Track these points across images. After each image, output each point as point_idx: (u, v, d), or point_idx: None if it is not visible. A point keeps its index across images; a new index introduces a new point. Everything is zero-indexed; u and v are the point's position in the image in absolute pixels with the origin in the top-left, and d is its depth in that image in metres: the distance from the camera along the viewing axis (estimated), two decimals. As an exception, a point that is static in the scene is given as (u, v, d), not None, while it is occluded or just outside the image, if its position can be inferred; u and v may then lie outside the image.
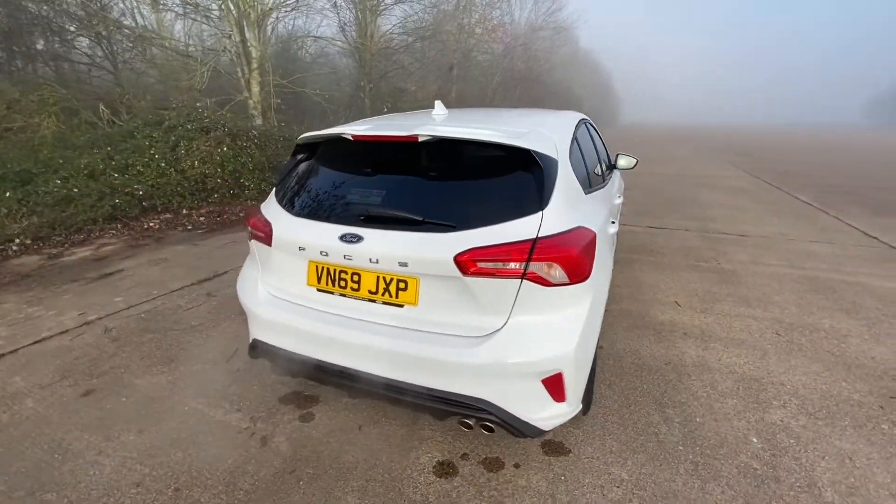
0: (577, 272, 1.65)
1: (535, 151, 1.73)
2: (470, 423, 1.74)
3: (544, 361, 1.62)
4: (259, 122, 10.48)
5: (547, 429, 1.73)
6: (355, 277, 1.81)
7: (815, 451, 1.98)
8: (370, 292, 1.80)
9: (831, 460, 1.93)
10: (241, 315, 3.28)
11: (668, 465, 1.91)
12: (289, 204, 2.01)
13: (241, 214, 6.47)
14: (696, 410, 2.25)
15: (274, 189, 2.20)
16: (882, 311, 3.32)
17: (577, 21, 26.73)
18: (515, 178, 1.76)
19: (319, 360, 1.88)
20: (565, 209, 1.74)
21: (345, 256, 1.77)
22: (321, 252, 1.82)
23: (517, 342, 1.62)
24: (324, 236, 1.81)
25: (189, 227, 5.85)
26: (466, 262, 1.59)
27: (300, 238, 1.88)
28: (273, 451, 2.00)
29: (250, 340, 2.16)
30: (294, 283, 1.99)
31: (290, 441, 2.07)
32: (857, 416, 2.21)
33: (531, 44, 23.26)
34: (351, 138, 1.92)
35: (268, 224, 1.99)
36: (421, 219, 1.70)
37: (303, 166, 2.16)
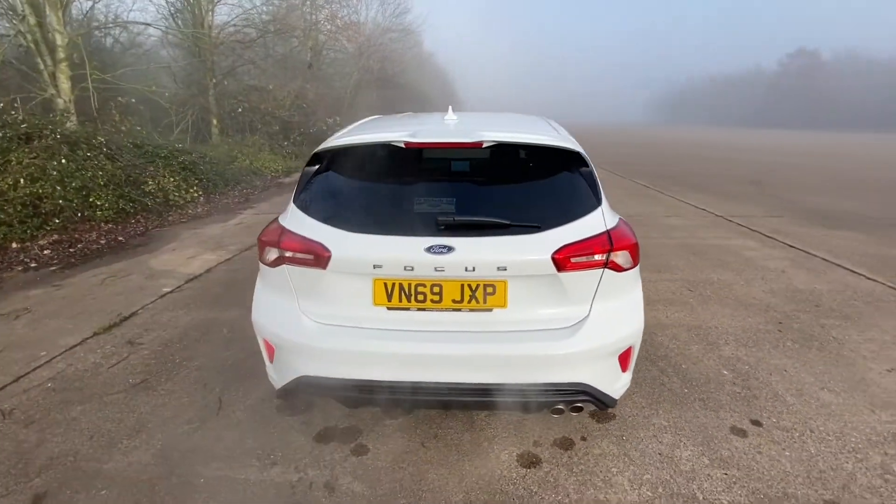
0: (636, 257, 1.90)
1: (581, 153, 1.92)
2: (562, 407, 1.86)
3: (622, 339, 1.83)
4: (72, 124, 8.37)
5: (619, 397, 1.96)
6: (436, 289, 1.75)
7: (764, 371, 2.64)
8: (454, 301, 1.76)
9: (777, 375, 2.61)
10: (202, 359, 2.76)
11: (687, 405, 2.33)
12: (341, 221, 1.80)
13: (103, 241, 5.22)
14: (677, 360, 2.76)
15: (295, 206, 1.94)
16: (740, 263, 4.48)
17: (423, 24, 27.88)
18: (569, 178, 1.91)
19: (391, 381, 1.77)
20: (607, 204, 1.98)
21: (435, 269, 1.70)
22: (405, 267, 1.71)
23: (603, 326, 1.80)
24: (407, 251, 1.70)
25: (33, 265, 4.49)
26: (563, 259, 1.70)
27: (375, 256, 1.72)
28: (350, 495, 1.80)
29: (287, 380, 1.88)
30: (355, 306, 1.81)
31: (359, 479, 1.88)
32: (770, 340, 3.00)
33: (383, 45, 23.44)
34: (403, 145, 1.83)
35: (319, 245, 1.76)
36: (509, 223, 1.74)
37: (338, 178, 1.96)
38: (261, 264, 2.00)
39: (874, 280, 4.07)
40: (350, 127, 2.37)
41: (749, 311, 3.42)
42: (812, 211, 7.12)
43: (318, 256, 1.76)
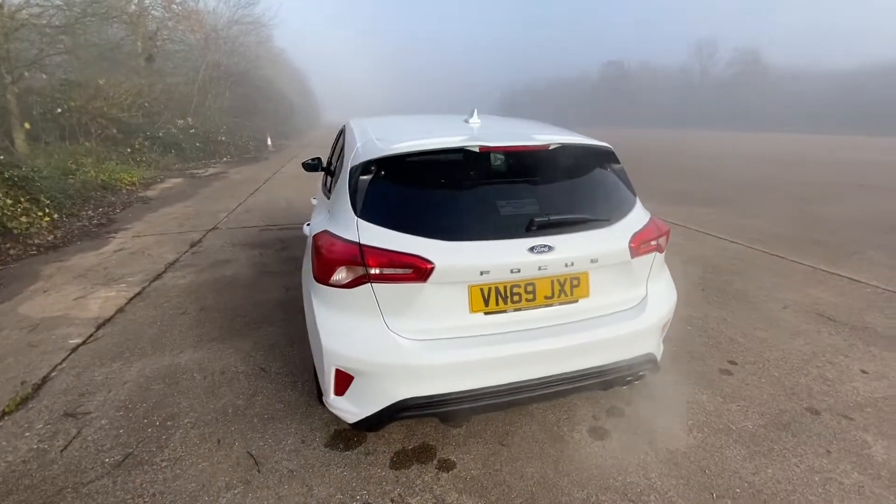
0: (668, 241, 2.21)
1: (615, 153, 2.16)
2: (632, 378, 2.07)
3: (669, 311, 2.13)
4: None
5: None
6: (529, 288, 1.80)
7: (713, 322, 3.28)
8: (546, 298, 1.83)
9: (723, 324, 3.27)
10: (190, 414, 2.29)
11: (681, 360, 2.79)
12: (431, 230, 1.70)
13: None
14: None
15: (362, 219, 1.76)
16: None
17: (273, 18, 25.87)
18: (611, 174, 2.13)
19: (495, 386, 1.77)
20: None
21: (539, 268, 1.73)
22: (511, 270, 1.71)
23: (657, 302, 2.06)
24: (512, 254, 1.70)
25: None
26: (636, 247, 1.91)
27: (482, 262, 1.68)
28: (466, 510, 1.74)
29: (377, 408, 1.74)
30: (451, 316, 1.75)
31: (465, 492, 1.82)
32: (702, 298, 3.72)
33: (233, 38, 21.11)
34: (478, 150, 1.82)
35: (418, 258, 1.65)
36: (591, 217, 1.87)
37: (409, 185, 1.85)
38: (321, 287, 1.79)
39: (737, 243, 5.32)
40: (370, 131, 2.22)
41: (676, 279, 4.15)
42: (668, 192, 8.84)
43: (418, 270, 1.65)
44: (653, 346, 2.05)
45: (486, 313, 1.77)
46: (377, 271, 1.67)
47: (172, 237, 5.60)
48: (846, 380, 2.59)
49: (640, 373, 2.06)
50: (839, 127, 35.60)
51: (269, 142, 19.78)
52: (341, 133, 3.09)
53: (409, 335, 1.72)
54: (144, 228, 6.15)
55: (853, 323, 3.29)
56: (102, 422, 2.24)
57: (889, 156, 17.24)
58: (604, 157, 2.12)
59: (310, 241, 1.99)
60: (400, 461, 1.99)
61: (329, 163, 3.18)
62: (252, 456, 2.02)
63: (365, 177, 1.85)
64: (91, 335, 3.11)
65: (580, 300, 1.89)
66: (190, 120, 16.16)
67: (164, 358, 2.81)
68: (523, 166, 1.94)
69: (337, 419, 2.18)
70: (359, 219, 1.78)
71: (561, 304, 1.86)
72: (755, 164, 14.17)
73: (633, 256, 1.92)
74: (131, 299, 3.71)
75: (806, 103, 43.88)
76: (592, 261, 1.83)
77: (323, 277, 1.77)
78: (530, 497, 1.81)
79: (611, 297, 1.96)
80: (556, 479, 1.89)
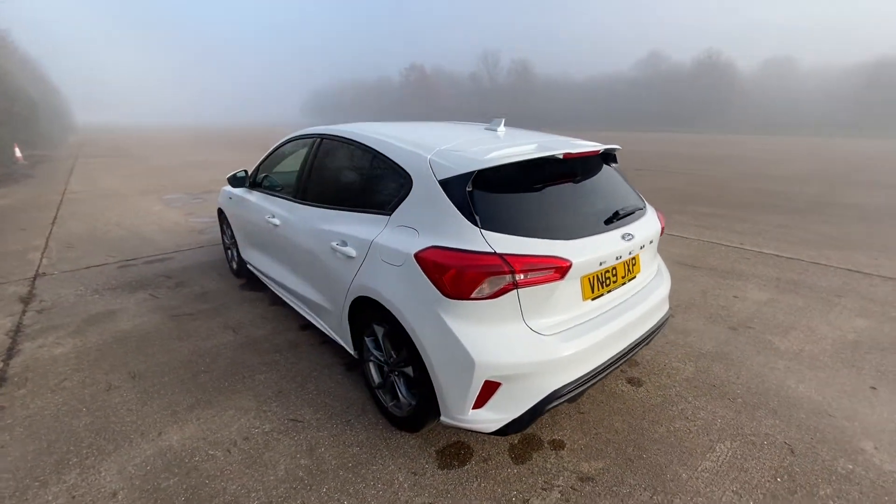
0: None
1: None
2: (657, 334, 2.58)
3: (669, 280, 2.72)
4: None
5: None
6: (614, 271, 2.11)
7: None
8: (622, 277, 2.17)
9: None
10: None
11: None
12: (549, 230, 1.83)
13: None
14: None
15: (486, 230, 1.77)
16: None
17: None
18: (618, 171, 2.60)
19: (605, 361, 2.03)
20: None
21: (629, 253, 2.05)
22: (617, 258, 1.97)
23: (665, 272, 2.62)
24: (615, 244, 1.97)
25: None
26: (663, 229, 2.41)
27: (599, 255, 1.90)
28: (611, 473, 1.97)
29: (524, 409, 1.82)
30: (571, 306, 1.93)
31: (586, 459, 2.05)
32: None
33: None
34: (562, 156, 2.03)
35: (557, 258, 1.77)
36: (641, 206, 2.28)
37: (512, 193, 1.91)
38: (456, 302, 1.76)
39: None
40: (423, 142, 2.17)
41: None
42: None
43: (558, 269, 1.78)
44: (667, 305, 2.62)
45: (592, 299, 2.02)
46: (522, 277, 1.74)
47: (-21, 296, 3.92)
48: (732, 303, 3.73)
49: (664, 328, 2.61)
50: (596, 125, 46.25)
51: (19, 153, 14.79)
52: (315, 146, 2.83)
53: (545, 331, 1.84)
54: None
55: (702, 265, 4.66)
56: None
57: (641, 146, 23.39)
58: (612, 157, 2.57)
59: (412, 262, 1.87)
60: (518, 456, 2.08)
61: (302, 178, 2.84)
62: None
63: (469, 189, 1.85)
64: (-21, 453, 2.10)
65: (637, 276, 2.30)
66: None
67: (142, 448, 2.13)
68: (584, 169, 2.23)
69: (428, 439, 2.15)
70: (482, 230, 1.79)
71: (629, 280, 2.23)
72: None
73: (660, 236, 2.43)
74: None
75: (571, 106, 55.42)
76: (650, 242, 2.26)
77: (462, 293, 1.73)
78: (633, 439, 2.16)
79: (647, 271, 2.43)
80: (636, 422, 2.29)
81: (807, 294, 3.91)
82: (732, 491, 1.88)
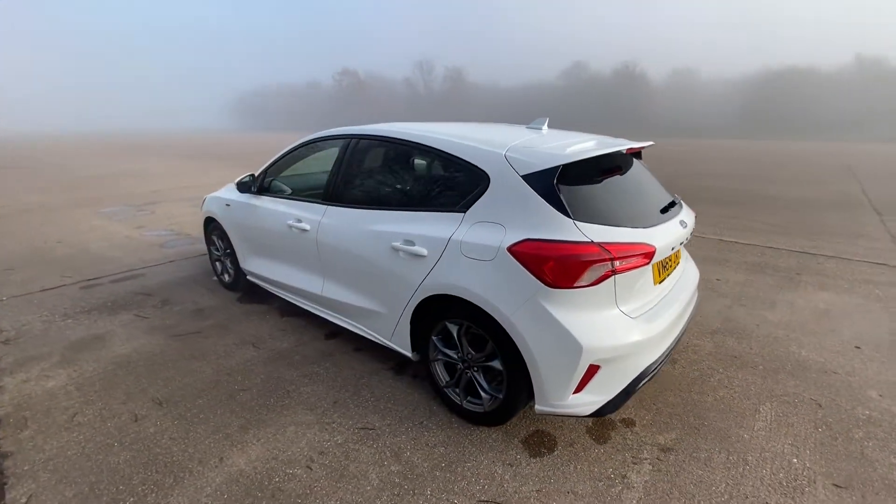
0: None
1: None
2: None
3: None
4: None
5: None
6: (670, 258, 2.29)
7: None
8: (674, 264, 2.36)
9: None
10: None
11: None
12: (628, 220, 1.97)
13: None
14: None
15: (581, 221, 1.86)
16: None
17: None
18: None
19: (671, 344, 2.20)
20: None
21: (686, 238, 2.23)
22: (680, 243, 2.13)
23: (692, 260, 2.86)
24: (677, 230, 2.14)
25: None
26: (694, 218, 2.64)
27: (670, 241, 2.05)
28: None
29: (617, 390, 1.93)
30: (647, 290, 2.07)
31: (659, 432, 2.20)
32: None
33: None
34: (625, 151, 2.17)
35: (644, 245, 1.89)
36: (676, 197, 2.48)
37: (590, 185, 2.02)
38: (559, 291, 1.82)
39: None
40: (495, 139, 2.21)
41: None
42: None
43: (646, 255, 1.91)
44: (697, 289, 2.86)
45: (658, 283, 2.17)
46: (619, 263, 1.84)
47: (-87, 331, 3.30)
48: (718, 285, 4.13)
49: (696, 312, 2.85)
50: None
51: None
52: (349, 147, 2.74)
53: (633, 314, 1.96)
54: None
55: (678, 254, 5.09)
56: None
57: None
58: (639, 153, 2.77)
59: (505, 255, 1.90)
60: (599, 437, 2.18)
61: (337, 180, 2.75)
62: (491, 501, 1.81)
63: (555, 182, 1.92)
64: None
65: (679, 262, 2.51)
66: None
67: (208, 477, 1.94)
68: (627, 163, 2.38)
69: (507, 432, 2.20)
70: (576, 221, 1.87)
71: (676, 266, 2.43)
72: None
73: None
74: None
75: (501, 112, 57.35)
76: (692, 231, 2.47)
77: (567, 282, 1.79)
78: (690, 410, 2.35)
79: (683, 259, 2.65)
80: (686, 395, 2.49)
81: (773, 274, 4.45)
82: (789, 444, 2.12)
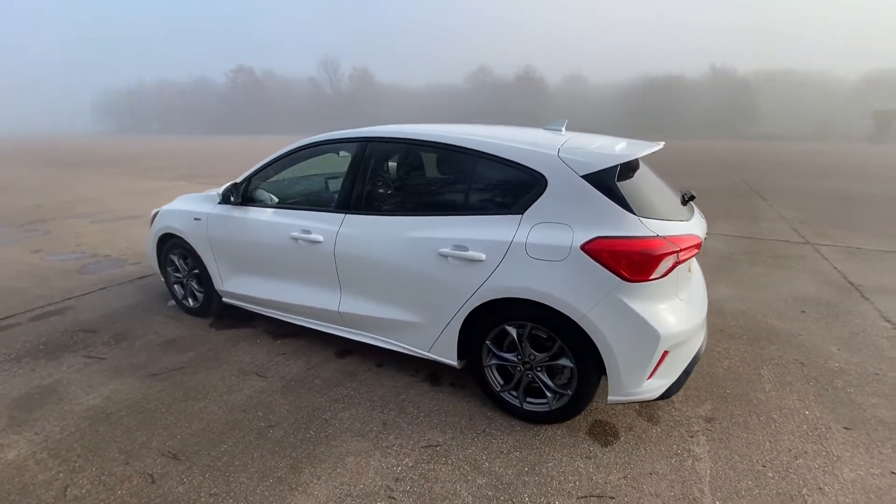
0: None
1: None
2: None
3: None
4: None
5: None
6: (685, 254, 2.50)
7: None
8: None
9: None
10: None
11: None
12: (668, 213, 2.10)
13: None
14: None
15: (643, 217, 1.96)
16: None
17: None
18: None
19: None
20: None
21: (706, 231, 2.45)
22: (704, 237, 2.34)
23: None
24: (701, 222, 2.34)
25: None
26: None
27: (702, 232, 2.23)
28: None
29: (680, 371, 2.09)
30: (688, 278, 2.25)
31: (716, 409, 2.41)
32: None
33: None
34: (656, 150, 2.33)
35: (695, 236, 2.05)
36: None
37: (634, 182, 2.14)
38: (635, 285, 1.91)
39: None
40: (540, 141, 2.23)
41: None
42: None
43: (697, 245, 2.08)
44: None
45: (689, 271, 2.37)
46: (683, 255, 1.98)
47: None
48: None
49: None
50: None
51: None
52: (366, 152, 2.57)
53: (686, 301, 2.13)
54: None
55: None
56: None
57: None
58: None
59: (579, 254, 1.93)
60: (650, 418, 2.33)
61: (356, 187, 2.57)
62: (594, 496, 1.84)
63: (613, 180, 2.01)
64: None
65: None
66: None
67: (282, 526, 1.71)
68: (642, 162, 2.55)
69: (570, 426, 2.29)
70: (639, 217, 1.97)
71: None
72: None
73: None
74: None
75: (411, 111, 57.47)
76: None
77: (643, 275, 1.88)
78: (710, 381, 2.61)
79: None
80: (700, 368, 2.76)
81: (711, 255, 5.10)
82: (796, 399, 2.47)
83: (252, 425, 2.29)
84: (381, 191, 2.55)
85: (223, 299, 3.35)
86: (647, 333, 1.92)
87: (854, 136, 34.88)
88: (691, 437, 2.19)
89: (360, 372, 2.77)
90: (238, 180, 3.04)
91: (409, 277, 2.36)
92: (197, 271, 3.39)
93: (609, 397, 2.04)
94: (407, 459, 2.05)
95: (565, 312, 1.98)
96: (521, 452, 2.09)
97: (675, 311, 2.02)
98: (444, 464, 2.02)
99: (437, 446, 2.13)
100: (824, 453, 2.07)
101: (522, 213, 2.11)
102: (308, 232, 2.65)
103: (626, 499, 1.83)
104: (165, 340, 3.19)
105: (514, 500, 1.83)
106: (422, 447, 2.13)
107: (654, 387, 2.03)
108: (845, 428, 2.24)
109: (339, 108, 60.53)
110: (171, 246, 3.50)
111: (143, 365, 2.86)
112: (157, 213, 3.60)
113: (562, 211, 2.05)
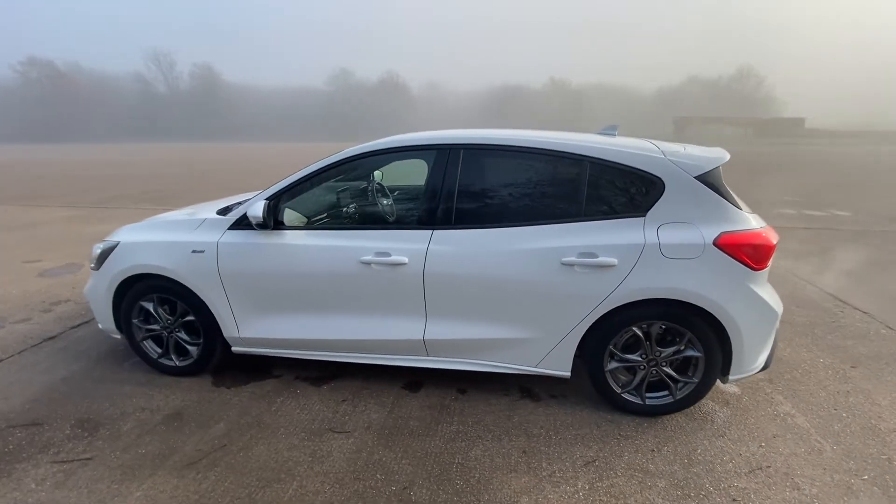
0: None
1: None
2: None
3: None
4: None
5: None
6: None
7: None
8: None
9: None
10: None
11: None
12: (746, 206, 2.37)
13: None
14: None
15: (743, 211, 2.19)
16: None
17: None
18: None
19: None
20: None
21: None
22: None
23: None
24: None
25: None
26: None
27: None
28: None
29: (775, 335, 2.36)
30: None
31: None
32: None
33: None
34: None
35: (770, 227, 2.35)
36: None
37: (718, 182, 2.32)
38: (755, 273, 2.11)
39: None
40: (623, 147, 2.30)
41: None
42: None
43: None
44: None
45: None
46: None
47: None
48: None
49: None
50: (290, 136, 45.96)
51: None
52: (452, 160, 2.35)
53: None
54: None
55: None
56: None
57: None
58: None
59: (712, 250, 2.06)
60: (743, 388, 2.61)
61: (443, 200, 2.33)
62: (757, 469, 1.99)
63: (720, 179, 2.20)
64: None
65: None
66: None
67: None
68: None
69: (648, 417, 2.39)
70: (743, 212, 2.20)
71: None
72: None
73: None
74: None
75: (267, 112, 52.78)
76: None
77: (763, 264, 2.10)
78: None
79: None
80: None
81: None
82: (808, 349, 3.05)
83: (382, 491, 1.90)
84: (477, 202, 2.34)
85: (233, 349, 2.68)
86: (769, 315, 2.16)
87: (659, 137, 43.82)
88: (772, 399, 2.53)
89: (448, 403, 2.51)
90: (267, 197, 2.46)
91: (523, 292, 2.22)
92: (191, 318, 2.64)
93: (730, 377, 2.23)
94: (578, 482, 1.94)
95: (705, 307, 2.11)
96: (668, 447, 2.15)
97: (772, 291, 2.31)
98: (616, 477, 1.97)
99: (594, 462, 2.06)
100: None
101: (645, 215, 2.17)
102: (386, 254, 2.29)
103: (777, 464, 2.04)
104: (168, 415, 2.41)
105: (702, 492, 1.88)
106: (580, 466, 2.04)
107: (761, 361, 2.28)
108: (852, 367, 2.85)
109: (179, 110, 52.57)
110: (140, 291, 2.65)
111: (162, 454, 2.13)
112: (107, 250, 2.70)
113: (682, 211, 2.16)
